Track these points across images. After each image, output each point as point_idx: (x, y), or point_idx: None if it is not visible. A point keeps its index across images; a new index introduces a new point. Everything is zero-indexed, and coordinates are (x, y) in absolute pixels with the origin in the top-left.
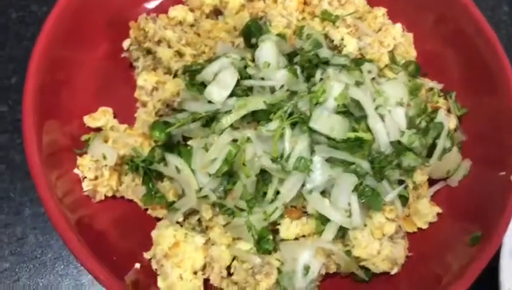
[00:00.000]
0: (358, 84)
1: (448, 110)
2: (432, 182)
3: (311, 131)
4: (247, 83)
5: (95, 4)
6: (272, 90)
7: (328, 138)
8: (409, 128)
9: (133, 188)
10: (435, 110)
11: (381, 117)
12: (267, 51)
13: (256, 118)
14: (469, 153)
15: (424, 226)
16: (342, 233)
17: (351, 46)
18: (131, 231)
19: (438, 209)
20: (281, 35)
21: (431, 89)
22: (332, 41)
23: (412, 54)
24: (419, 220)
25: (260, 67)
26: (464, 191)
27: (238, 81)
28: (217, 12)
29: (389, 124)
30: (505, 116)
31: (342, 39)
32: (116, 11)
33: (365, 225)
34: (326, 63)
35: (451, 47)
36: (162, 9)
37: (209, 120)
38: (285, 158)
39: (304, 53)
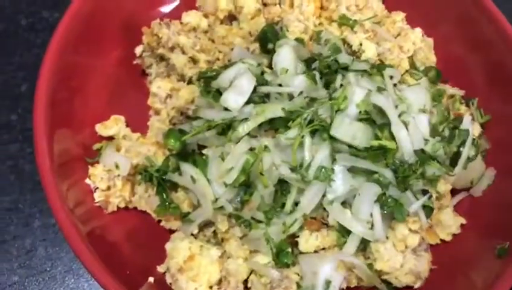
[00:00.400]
0: (380, 90)
1: (473, 117)
2: (453, 192)
3: (332, 139)
4: (264, 89)
5: (106, 10)
6: (290, 97)
7: (350, 146)
8: (433, 136)
9: (146, 199)
10: (457, 117)
11: (405, 124)
12: (285, 56)
13: (274, 126)
14: (493, 162)
15: (448, 238)
16: (364, 245)
17: (370, 52)
18: (145, 243)
19: (461, 220)
20: (299, 40)
21: (452, 96)
22: (351, 46)
23: (432, 59)
24: (442, 231)
25: (277, 73)
26: (487, 201)
27: (255, 87)
28: (231, 18)
29: (412, 132)
30: None
31: (361, 44)
32: (128, 16)
33: (387, 237)
34: (346, 68)
35: (473, 52)
36: (175, 15)
37: (225, 128)
38: (305, 167)
39: (322, 58)
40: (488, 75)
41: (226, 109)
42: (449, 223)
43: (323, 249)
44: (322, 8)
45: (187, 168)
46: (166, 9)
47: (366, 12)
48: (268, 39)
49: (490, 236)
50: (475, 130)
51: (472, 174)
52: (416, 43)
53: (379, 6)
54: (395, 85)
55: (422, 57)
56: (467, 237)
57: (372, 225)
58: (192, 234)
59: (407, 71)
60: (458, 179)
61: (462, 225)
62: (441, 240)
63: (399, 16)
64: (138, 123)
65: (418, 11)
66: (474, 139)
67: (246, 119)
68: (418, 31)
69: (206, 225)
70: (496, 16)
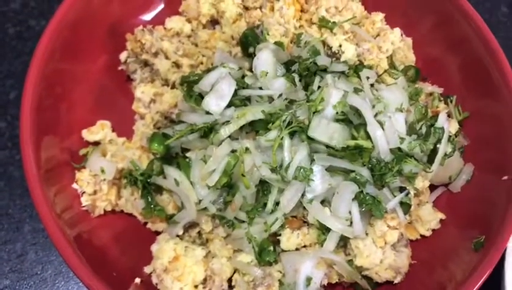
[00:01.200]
0: (357, 91)
1: (449, 115)
2: (432, 187)
3: (310, 140)
4: (245, 92)
5: (91, 17)
6: (270, 99)
7: (328, 146)
8: (409, 134)
9: (132, 202)
10: (436, 115)
11: (381, 124)
12: (265, 59)
13: (254, 127)
14: (471, 158)
15: (427, 233)
16: (344, 242)
17: (349, 53)
18: (131, 245)
19: (441, 216)
20: (278, 44)
21: (431, 93)
22: (331, 48)
23: (411, 58)
24: (421, 227)
25: (258, 77)
26: (466, 196)
27: (235, 91)
28: (214, 23)
29: (388, 131)
30: (507, 120)
31: (340, 46)
32: (113, 23)
33: (367, 234)
34: (325, 70)
35: (451, 51)
36: (159, 20)
37: (208, 131)
38: (284, 168)
39: (301, 61)
40: (465, 72)
41: (208, 113)
42: (428, 218)
43: (305, 246)
44: (302, 10)
45: (171, 171)
46: (150, 14)
47: (346, 14)
48: (249, 43)
49: (468, 230)
50: (452, 127)
51: (450, 171)
52: (395, 43)
53: (358, 8)
54: (372, 85)
55: (401, 56)
56: (445, 232)
57: (352, 222)
58: (177, 235)
59: (385, 71)
60: (436, 175)
61: (441, 220)
62: (421, 235)
63: (378, 17)
64: (124, 128)
65: (398, 12)
66: (450, 136)
67: (228, 122)
68: (397, 31)
69: (191, 226)
70: (472, 15)
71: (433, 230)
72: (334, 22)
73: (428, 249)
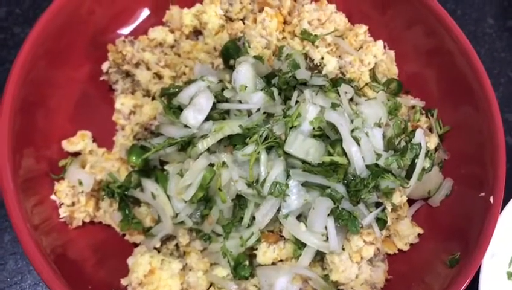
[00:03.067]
0: (334, 106)
1: (430, 129)
2: (411, 201)
3: (287, 155)
4: (223, 106)
5: (75, 26)
6: (249, 113)
7: (304, 161)
8: (387, 150)
9: (110, 214)
10: (415, 129)
11: (357, 140)
12: (244, 73)
13: (232, 141)
14: (451, 172)
15: (405, 248)
16: (321, 256)
17: (331, 65)
18: (109, 257)
19: (419, 230)
20: (258, 57)
21: (413, 106)
22: (313, 60)
23: (394, 71)
24: (399, 241)
25: (237, 90)
26: (445, 211)
27: (214, 104)
28: (197, 33)
29: (364, 148)
30: (486, 135)
31: (322, 58)
32: (97, 32)
33: (344, 249)
34: (305, 84)
35: (433, 65)
36: (144, 30)
37: (185, 145)
38: (260, 183)
39: (281, 74)
40: (447, 86)
41: (186, 126)
42: (406, 233)
43: (281, 260)
44: (285, 22)
45: (148, 184)
46: (134, 24)
47: (329, 26)
48: (230, 55)
49: (445, 245)
50: (432, 142)
51: (429, 185)
52: (377, 56)
53: (342, 20)
54: (351, 99)
55: (384, 69)
56: (423, 247)
57: (328, 237)
58: (155, 248)
59: (367, 84)
60: (415, 190)
61: (419, 235)
62: (399, 249)
63: (361, 29)
64: (105, 138)
65: (381, 24)
66: (428, 152)
67: (205, 135)
68: (380, 43)
69: (168, 238)
70: (453, 29)
71: (412, 244)
72: (315, 35)
73: (406, 263)
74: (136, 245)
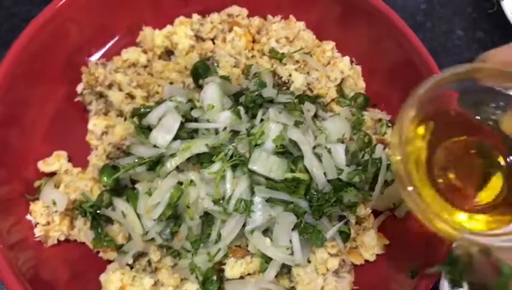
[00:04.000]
0: (297, 124)
1: None
2: (378, 212)
3: (251, 172)
4: (191, 125)
5: (50, 47)
6: (217, 131)
7: (267, 178)
8: (350, 164)
9: (84, 232)
10: (381, 142)
11: (319, 157)
12: (211, 93)
13: (200, 159)
14: None
15: (371, 258)
16: (288, 269)
17: (299, 82)
18: (83, 274)
19: (384, 241)
20: (225, 77)
21: (380, 120)
22: (281, 78)
23: (361, 86)
24: (365, 252)
25: (205, 110)
26: (409, 222)
27: (183, 123)
28: (169, 53)
29: (326, 164)
30: None
31: (290, 75)
32: (72, 53)
33: (310, 261)
34: (272, 101)
35: (398, 78)
36: (117, 51)
37: (154, 164)
38: (226, 200)
39: (248, 93)
40: None
41: (155, 146)
42: (372, 244)
43: (249, 274)
44: (254, 41)
45: (119, 203)
46: (108, 44)
47: (297, 44)
48: (199, 75)
49: (409, 256)
50: None
51: (392, 198)
52: (344, 71)
53: (310, 37)
54: (316, 117)
55: (351, 84)
56: (389, 257)
57: (293, 251)
58: (128, 264)
59: (333, 100)
60: (380, 202)
61: (385, 245)
62: (366, 260)
63: (329, 45)
64: (81, 157)
65: (348, 40)
66: (390, 165)
67: (174, 154)
68: (347, 59)
69: (140, 255)
70: (416, 44)
71: (378, 255)
72: (282, 54)
73: (372, 273)
74: (110, 262)
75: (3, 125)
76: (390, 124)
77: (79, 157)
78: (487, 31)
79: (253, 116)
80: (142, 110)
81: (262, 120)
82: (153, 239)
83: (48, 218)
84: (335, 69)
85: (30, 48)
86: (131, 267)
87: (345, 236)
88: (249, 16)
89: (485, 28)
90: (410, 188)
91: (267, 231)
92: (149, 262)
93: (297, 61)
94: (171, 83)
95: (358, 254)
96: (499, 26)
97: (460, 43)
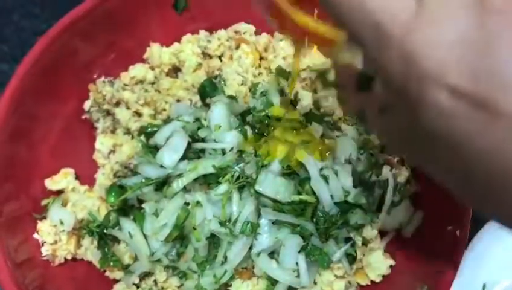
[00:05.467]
0: (304, 143)
1: (402, 161)
2: (385, 232)
3: (258, 194)
4: (198, 145)
5: (60, 63)
6: (224, 151)
7: (274, 200)
8: (357, 185)
9: (91, 251)
10: (387, 163)
11: (326, 178)
12: (218, 113)
13: (207, 180)
14: (422, 204)
15: (377, 279)
16: None
17: (306, 100)
18: None
19: (391, 262)
20: (232, 97)
21: None
22: (287, 95)
23: None
24: (371, 272)
25: (211, 130)
26: (416, 243)
27: (190, 143)
28: (176, 70)
29: (333, 186)
30: None
31: (297, 93)
32: (81, 70)
33: (316, 283)
34: (279, 120)
35: None
36: (125, 67)
37: (161, 185)
38: (232, 222)
39: (255, 112)
40: None
41: (162, 166)
42: (378, 265)
43: None
44: (261, 58)
45: (125, 223)
46: (117, 61)
47: (304, 61)
48: (206, 94)
49: (415, 277)
50: (402, 175)
51: (399, 218)
52: None
53: (317, 54)
54: (323, 136)
55: None
56: (395, 278)
57: (299, 273)
58: (134, 284)
59: (340, 118)
60: (385, 222)
61: (392, 266)
62: (371, 281)
63: None
64: (88, 175)
65: None
66: (397, 185)
67: (181, 175)
68: None
69: (147, 274)
70: None
71: (384, 276)
72: (289, 72)
73: None
74: (116, 281)
75: (11, 141)
76: None
77: (86, 175)
78: None
79: (260, 135)
80: (149, 129)
81: (267, 141)
82: (159, 260)
83: (55, 237)
84: None
85: (39, 63)
86: (138, 287)
87: (351, 258)
88: (256, 33)
89: None
90: None
91: (273, 253)
92: (155, 282)
93: (304, 79)
94: (178, 100)
95: (364, 275)
96: None
97: None
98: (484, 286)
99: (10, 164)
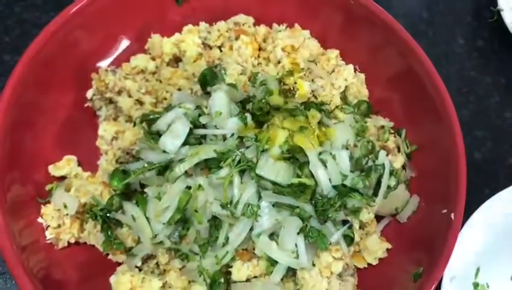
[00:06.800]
0: (302, 130)
1: (398, 148)
2: (380, 217)
3: (259, 177)
4: (199, 131)
5: (62, 53)
6: (224, 137)
7: (274, 183)
8: (354, 170)
9: (94, 235)
10: (383, 148)
11: (324, 162)
12: (219, 100)
13: (208, 165)
14: (418, 189)
15: (374, 262)
16: (293, 272)
17: (304, 90)
18: (93, 276)
19: (387, 245)
20: (232, 85)
21: (382, 127)
22: (287, 84)
23: (364, 93)
24: (368, 256)
25: (212, 116)
26: (411, 227)
27: (191, 130)
28: (177, 60)
29: (331, 170)
30: (449, 154)
31: (295, 83)
32: (83, 60)
33: (314, 265)
34: (278, 109)
35: (401, 86)
36: (126, 57)
37: (163, 169)
38: (234, 204)
39: (255, 101)
40: (414, 107)
41: (164, 151)
42: (375, 248)
43: (255, 277)
44: (260, 49)
45: (128, 207)
46: (117, 51)
47: (302, 52)
48: (207, 82)
49: (411, 260)
50: (398, 161)
51: (396, 203)
52: (348, 79)
53: (314, 45)
54: (320, 123)
55: (354, 91)
56: (391, 261)
57: (298, 254)
58: (137, 266)
59: (337, 107)
60: (383, 207)
61: (388, 249)
62: (368, 264)
63: (333, 54)
64: (90, 162)
65: (352, 48)
66: (394, 171)
67: (183, 160)
68: (350, 67)
69: (149, 257)
70: (418, 52)
71: (380, 259)
72: (290, 71)
73: (375, 277)
74: (119, 264)
75: (15, 130)
76: (392, 131)
77: (88, 162)
78: (487, 39)
79: (260, 123)
80: (151, 116)
81: (268, 126)
82: (161, 242)
83: (58, 221)
84: (339, 77)
85: (42, 54)
86: (140, 270)
87: (349, 240)
88: (255, 24)
89: (485, 36)
90: None
91: (273, 235)
92: (157, 264)
93: (302, 69)
94: (179, 90)
95: (362, 258)
96: (499, 35)
97: (461, 51)
98: (478, 269)
99: (14, 152)
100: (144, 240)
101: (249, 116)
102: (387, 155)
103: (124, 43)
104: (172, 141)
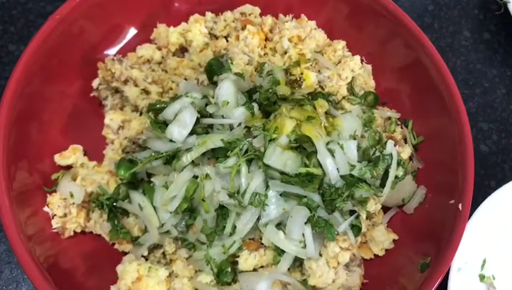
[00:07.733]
0: (310, 119)
1: (405, 139)
2: (387, 208)
3: (266, 167)
4: (206, 121)
5: (67, 43)
6: (231, 127)
7: (282, 172)
8: (362, 160)
9: (100, 224)
10: (390, 139)
11: (332, 152)
12: (226, 90)
13: (215, 154)
14: (425, 180)
15: (381, 253)
16: (300, 262)
17: (310, 80)
18: (99, 265)
19: (394, 236)
20: (239, 74)
21: (389, 118)
22: (293, 75)
23: (371, 84)
24: (375, 246)
25: (219, 106)
26: (418, 218)
27: (198, 119)
28: (183, 50)
29: (339, 159)
30: (456, 145)
31: (302, 73)
32: (88, 50)
33: (321, 255)
34: (285, 99)
35: (408, 78)
36: (132, 47)
37: (170, 158)
38: (241, 194)
39: (262, 91)
40: (421, 98)
41: (171, 140)
42: (381, 239)
43: (262, 267)
44: (266, 39)
45: (135, 196)
46: (123, 41)
47: (309, 42)
48: (213, 72)
49: (418, 251)
50: (406, 152)
51: (403, 193)
52: (355, 70)
53: (321, 36)
54: (327, 113)
55: (361, 82)
56: (398, 252)
57: (305, 244)
58: (143, 256)
59: (344, 97)
60: (390, 197)
61: (394, 240)
62: (375, 254)
63: (340, 45)
64: (96, 151)
65: (359, 39)
66: (401, 161)
67: (190, 149)
68: (357, 58)
69: (155, 247)
70: (426, 43)
71: (387, 250)
72: (297, 62)
73: (381, 268)
74: (125, 254)
75: (21, 119)
76: (399, 122)
77: (94, 151)
78: (494, 32)
79: (267, 113)
80: (158, 105)
81: (275, 116)
82: (168, 231)
83: (65, 210)
84: (346, 68)
85: (47, 44)
86: (146, 259)
87: (356, 230)
88: (261, 14)
89: (492, 29)
90: None
91: (280, 225)
92: (163, 254)
93: (309, 60)
94: (185, 80)
95: (368, 249)
96: (506, 27)
97: (467, 43)
98: (484, 260)
99: (21, 142)
100: (151, 229)
101: (256, 105)
102: (394, 146)
103: (130, 33)
104: (179, 130)
